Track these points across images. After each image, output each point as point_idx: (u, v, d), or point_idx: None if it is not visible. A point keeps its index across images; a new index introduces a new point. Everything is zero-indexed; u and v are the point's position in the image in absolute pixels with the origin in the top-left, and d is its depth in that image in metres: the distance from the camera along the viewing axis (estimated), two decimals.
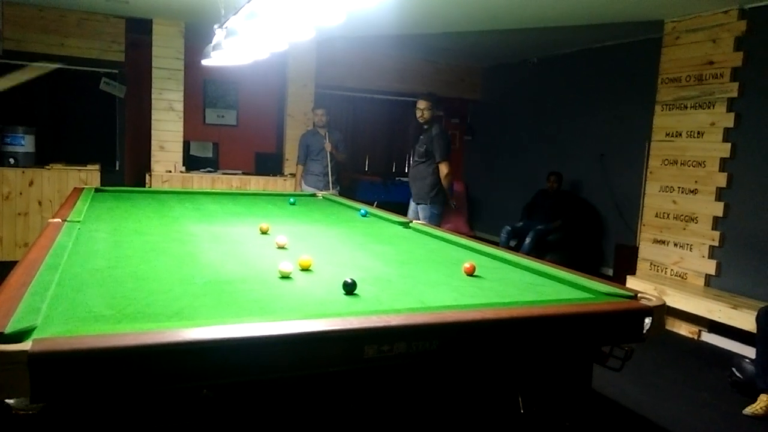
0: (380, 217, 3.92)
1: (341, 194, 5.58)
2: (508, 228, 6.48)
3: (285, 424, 1.60)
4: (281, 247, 2.67)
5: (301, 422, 1.61)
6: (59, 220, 2.88)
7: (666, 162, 4.95)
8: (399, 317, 1.61)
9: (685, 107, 4.79)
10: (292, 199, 4.65)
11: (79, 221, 2.94)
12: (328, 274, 2.21)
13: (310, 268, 2.25)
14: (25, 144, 5.78)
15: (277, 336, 1.43)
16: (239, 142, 7.44)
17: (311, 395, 1.60)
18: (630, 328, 1.89)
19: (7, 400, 1.21)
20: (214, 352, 1.36)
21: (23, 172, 5.65)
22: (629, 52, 6.23)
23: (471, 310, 1.75)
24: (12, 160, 5.66)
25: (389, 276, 2.27)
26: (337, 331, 1.49)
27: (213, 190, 5.66)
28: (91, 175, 5.91)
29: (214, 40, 3.81)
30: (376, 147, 8.57)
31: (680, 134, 4.83)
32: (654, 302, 1.95)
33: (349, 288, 1.93)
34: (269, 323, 1.48)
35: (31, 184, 5.70)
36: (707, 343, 4.45)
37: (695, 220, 4.70)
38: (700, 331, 4.51)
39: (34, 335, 1.31)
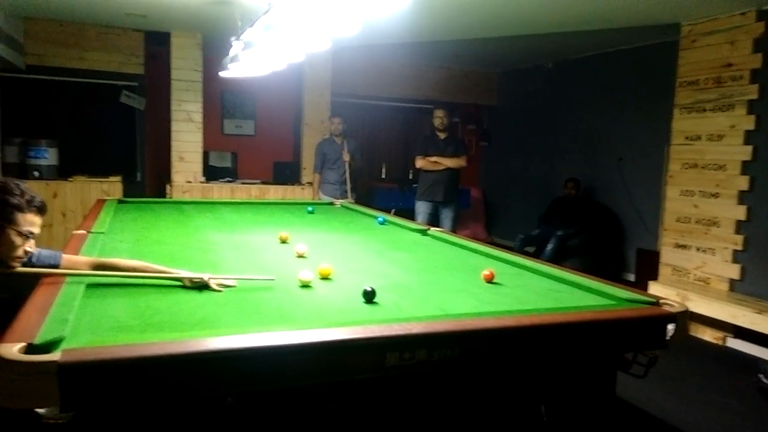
0: (398, 225, 3.93)
1: (358, 202, 5.59)
2: (522, 236, 6.45)
3: None
4: (301, 256, 2.69)
5: (323, 431, 1.62)
6: (83, 231, 2.93)
7: (686, 166, 4.89)
8: (420, 325, 1.61)
9: (704, 110, 4.73)
10: (310, 208, 4.67)
11: (102, 232, 2.99)
12: (347, 282, 2.22)
13: (329, 277, 2.27)
14: (49, 157, 5.89)
15: (299, 345, 1.44)
16: (257, 151, 7.50)
17: (333, 403, 1.61)
18: (653, 335, 1.87)
19: (37, 410, 1.23)
20: (238, 360, 1.38)
21: (47, 184, 5.75)
22: (645, 56, 6.17)
23: (492, 318, 1.75)
24: (36, 173, 5.77)
25: (409, 283, 2.28)
26: (359, 340, 1.50)
27: (232, 200, 5.72)
28: (113, 186, 6.00)
29: (232, 52, 3.86)
30: (392, 154, 8.57)
31: (699, 137, 4.77)
32: (676, 308, 1.93)
33: (369, 296, 1.94)
34: (291, 332, 1.49)
35: (55, 196, 5.80)
36: (733, 349, 4.37)
37: (717, 224, 4.63)
38: (725, 336, 4.44)
39: (63, 345, 1.34)
